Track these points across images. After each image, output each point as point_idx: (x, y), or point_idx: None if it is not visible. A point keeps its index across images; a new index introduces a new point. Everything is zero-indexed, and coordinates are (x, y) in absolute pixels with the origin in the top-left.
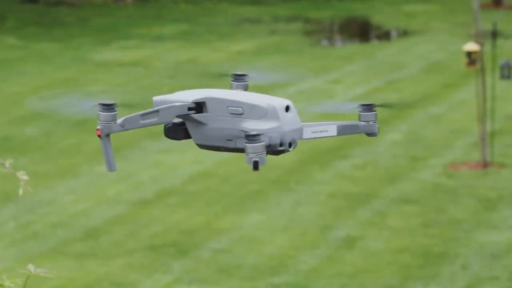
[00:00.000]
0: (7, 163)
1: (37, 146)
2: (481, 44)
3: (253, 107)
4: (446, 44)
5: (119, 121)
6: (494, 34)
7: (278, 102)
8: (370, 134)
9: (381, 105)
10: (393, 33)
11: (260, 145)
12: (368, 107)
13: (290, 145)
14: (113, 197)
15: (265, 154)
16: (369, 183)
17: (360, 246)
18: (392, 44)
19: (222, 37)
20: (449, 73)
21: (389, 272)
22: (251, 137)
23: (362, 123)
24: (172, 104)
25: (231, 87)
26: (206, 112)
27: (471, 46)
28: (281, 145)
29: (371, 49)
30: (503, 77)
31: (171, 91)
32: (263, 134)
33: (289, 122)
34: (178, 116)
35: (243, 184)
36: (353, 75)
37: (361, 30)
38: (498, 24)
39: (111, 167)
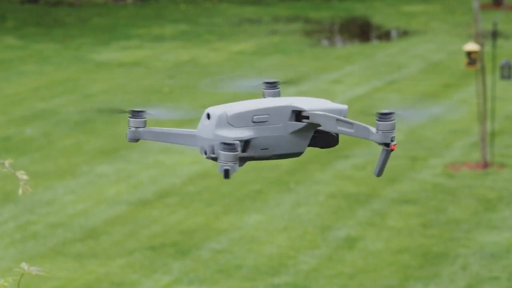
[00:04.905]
0: (7, 163)
1: (37, 146)
2: (481, 44)
3: None
4: (446, 44)
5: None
6: (494, 34)
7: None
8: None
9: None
10: (393, 33)
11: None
12: None
13: (205, 152)
14: (113, 197)
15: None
16: (369, 183)
17: (360, 246)
18: (392, 44)
19: (222, 37)
20: (449, 73)
21: (389, 272)
22: (134, 113)
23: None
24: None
25: None
26: None
27: (471, 46)
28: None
29: (371, 49)
30: (503, 77)
31: (171, 91)
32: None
33: (202, 130)
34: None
35: (242, 185)
36: (353, 75)
37: (361, 30)
38: (498, 24)
39: None
